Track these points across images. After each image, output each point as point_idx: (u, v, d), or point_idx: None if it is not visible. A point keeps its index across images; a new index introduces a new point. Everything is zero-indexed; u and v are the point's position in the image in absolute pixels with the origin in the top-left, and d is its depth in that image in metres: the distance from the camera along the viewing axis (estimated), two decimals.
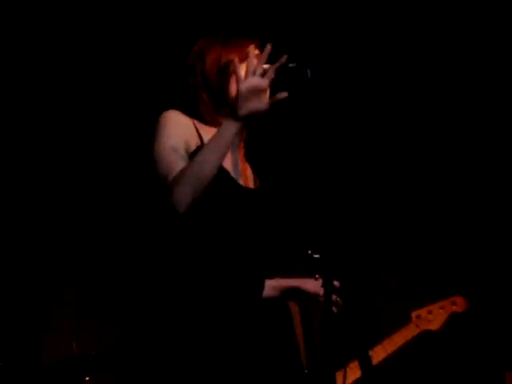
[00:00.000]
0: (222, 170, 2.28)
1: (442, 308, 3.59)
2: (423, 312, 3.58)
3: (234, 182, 2.37)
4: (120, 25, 4.09)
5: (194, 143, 2.30)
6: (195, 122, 2.40)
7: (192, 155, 2.25)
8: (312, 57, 2.10)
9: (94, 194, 4.38)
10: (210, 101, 2.41)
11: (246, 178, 2.46)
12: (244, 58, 2.39)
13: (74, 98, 4.28)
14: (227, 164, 2.39)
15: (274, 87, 2.23)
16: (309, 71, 2.13)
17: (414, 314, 3.58)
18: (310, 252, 3.19)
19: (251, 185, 2.49)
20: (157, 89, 3.99)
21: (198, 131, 2.35)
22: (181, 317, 2.33)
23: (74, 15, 4.04)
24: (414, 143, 4.41)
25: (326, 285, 2.30)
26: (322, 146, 2.13)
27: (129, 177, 4.12)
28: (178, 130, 2.29)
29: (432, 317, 3.56)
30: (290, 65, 2.17)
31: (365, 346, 3.14)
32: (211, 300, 2.33)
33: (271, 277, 2.46)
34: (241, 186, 2.41)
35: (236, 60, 2.35)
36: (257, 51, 2.44)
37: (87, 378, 3.49)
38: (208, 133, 2.33)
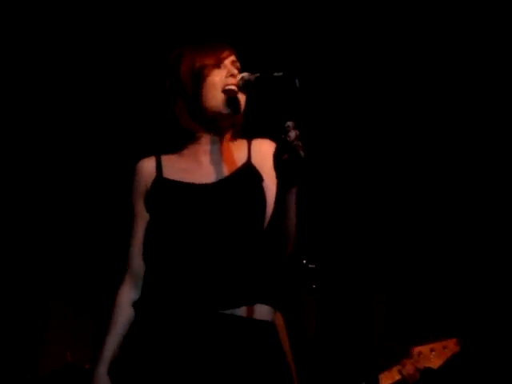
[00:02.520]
0: (173, 183, 2.31)
1: (445, 347, 3.41)
2: (425, 349, 3.40)
3: (185, 188, 2.31)
4: (110, 28, 4.07)
5: (150, 182, 2.36)
6: (164, 157, 2.41)
7: (150, 191, 2.34)
8: (299, 66, 2.07)
9: (90, 202, 4.37)
10: (184, 106, 2.40)
11: (231, 163, 2.36)
12: (218, 63, 2.40)
13: (66, 98, 4.26)
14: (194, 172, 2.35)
15: (261, 97, 2.22)
16: (297, 81, 2.11)
17: (415, 351, 3.41)
18: (304, 262, 3.19)
19: (241, 162, 2.38)
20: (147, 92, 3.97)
21: (159, 167, 2.37)
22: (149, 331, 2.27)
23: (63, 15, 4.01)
24: (413, 152, 4.37)
25: (320, 294, 2.27)
26: (316, 156, 2.12)
27: (123, 178, 4.11)
28: (138, 186, 2.37)
29: (434, 355, 3.38)
30: (275, 74, 2.15)
31: (374, 370, 3.12)
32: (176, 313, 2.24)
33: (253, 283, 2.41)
34: (203, 185, 2.31)
35: (210, 65, 2.35)
36: (232, 57, 2.44)
37: None
38: (171, 162, 2.38)
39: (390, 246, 4.32)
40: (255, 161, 2.38)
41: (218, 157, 2.38)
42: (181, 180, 2.32)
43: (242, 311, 2.26)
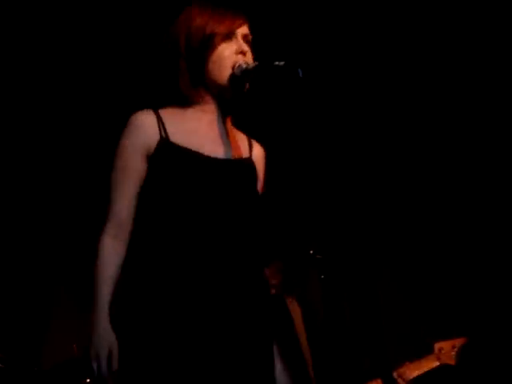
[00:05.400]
0: (187, 152, 2.26)
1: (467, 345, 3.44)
2: (447, 345, 3.42)
3: (200, 157, 2.28)
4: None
5: (154, 142, 2.28)
6: (164, 114, 2.33)
7: (154, 153, 2.27)
8: (301, 56, 2.02)
9: (92, 198, 4.37)
10: (187, 71, 2.31)
11: (237, 147, 2.35)
12: (230, 33, 2.29)
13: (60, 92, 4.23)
14: (204, 140, 2.32)
15: (263, 86, 2.17)
16: (300, 70, 2.05)
17: (437, 346, 3.43)
18: (312, 252, 3.16)
19: (245, 154, 2.38)
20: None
21: (162, 126, 2.30)
22: (160, 311, 2.24)
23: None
24: (417, 144, 4.34)
25: (327, 285, 2.26)
26: (322, 148, 2.08)
27: None
28: (136, 140, 2.30)
29: (455, 352, 3.41)
30: (276, 63, 2.09)
31: (389, 366, 3.11)
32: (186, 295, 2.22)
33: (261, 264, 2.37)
34: (212, 158, 2.29)
35: (221, 34, 2.28)
36: (244, 28, 2.34)
37: (88, 380, 3.47)
38: (175, 123, 2.31)
39: (399, 238, 4.30)
40: (254, 159, 2.39)
41: (224, 134, 2.33)
42: (189, 147, 2.27)
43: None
